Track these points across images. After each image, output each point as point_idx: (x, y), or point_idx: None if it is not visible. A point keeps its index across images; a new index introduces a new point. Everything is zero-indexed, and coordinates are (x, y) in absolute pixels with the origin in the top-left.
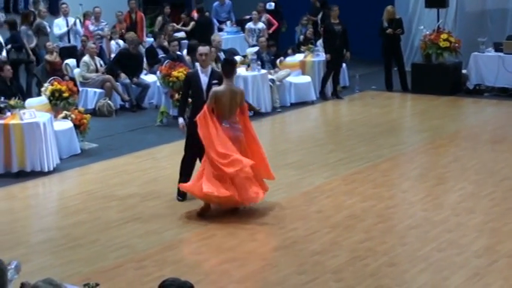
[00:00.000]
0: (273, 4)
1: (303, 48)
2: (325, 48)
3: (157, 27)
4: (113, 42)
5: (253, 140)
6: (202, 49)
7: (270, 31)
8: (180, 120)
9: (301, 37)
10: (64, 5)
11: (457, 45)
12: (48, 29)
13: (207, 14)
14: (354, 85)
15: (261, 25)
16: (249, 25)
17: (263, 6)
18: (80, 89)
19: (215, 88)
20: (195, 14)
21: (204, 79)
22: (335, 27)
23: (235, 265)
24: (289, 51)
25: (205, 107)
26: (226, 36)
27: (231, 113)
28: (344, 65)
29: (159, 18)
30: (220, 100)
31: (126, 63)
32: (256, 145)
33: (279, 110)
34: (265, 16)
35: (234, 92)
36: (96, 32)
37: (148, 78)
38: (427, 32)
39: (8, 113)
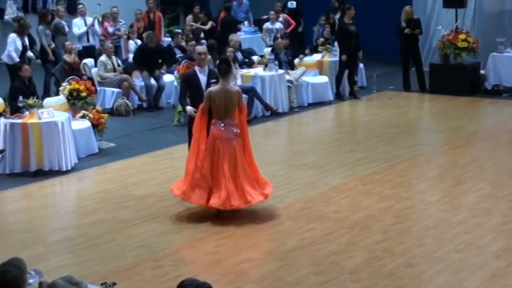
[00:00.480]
0: (294, 3)
1: (320, 48)
2: (341, 48)
3: (189, 26)
4: (131, 41)
5: (244, 145)
6: (201, 48)
7: (288, 31)
8: (188, 107)
9: (321, 39)
10: (81, 6)
11: (475, 45)
12: (67, 29)
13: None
14: (371, 85)
15: (278, 25)
16: (267, 25)
17: (281, 6)
18: (98, 88)
19: (209, 88)
20: (222, 14)
21: (202, 78)
22: (350, 27)
23: (252, 265)
24: (307, 51)
25: (200, 107)
26: (244, 36)
27: (227, 114)
28: (362, 65)
29: (190, 17)
30: (214, 100)
31: (147, 59)
32: (247, 153)
33: (296, 110)
34: (283, 16)
35: (228, 92)
36: (113, 31)
37: (165, 77)
38: (445, 32)
39: (27, 112)
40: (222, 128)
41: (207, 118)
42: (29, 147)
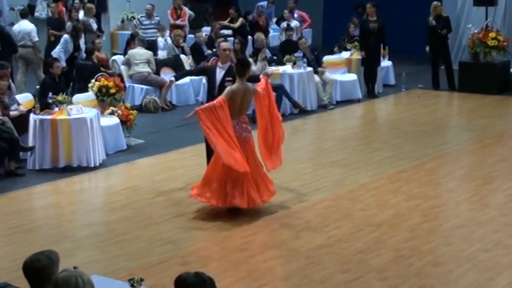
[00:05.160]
0: None
1: (349, 46)
2: (361, 45)
3: (218, 24)
4: (160, 38)
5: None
6: (225, 44)
7: (303, 28)
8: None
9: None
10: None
11: (505, 44)
12: (94, 26)
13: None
14: (400, 83)
15: (294, 23)
16: (283, 25)
17: (293, 2)
18: (127, 85)
19: (231, 86)
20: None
21: (219, 75)
22: (370, 24)
23: (280, 262)
24: (336, 48)
25: (221, 99)
26: (272, 33)
27: (240, 113)
28: (390, 63)
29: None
30: (234, 99)
31: None
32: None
33: (330, 107)
34: (298, 13)
35: (247, 91)
36: (150, 27)
37: None
38: (475, 31)
39: (56, 109)
40: (237, 126)
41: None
42: (58, 144)
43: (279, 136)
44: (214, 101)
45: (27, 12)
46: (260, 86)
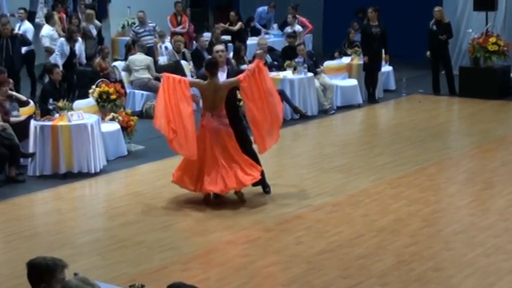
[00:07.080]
0: None
1: (349, 51)
2: (363, 50)
3: (218, 29)
4: (161, 44)
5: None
6: (218, 46)
7: (305, 34)
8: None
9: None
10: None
11: (505, 48)
12: (94, 32)
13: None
14: (400, 88)
15: (297, 27)
16: (287, 29)
17: (293, 7)
18: (128, 91)
19: (201, 80)
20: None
21: (221, 78)
22: (373, 29)
23: (280, 268)
24: (336, 54)
25: (184, 78)
26: (273, 39)
27: (215, 106)
28: (391, 68)
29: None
30: (205, 94)
31: None
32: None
33: (331, 112)
34: (299, 18)
35: (217, 87)
36: (145, 34)
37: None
38: (476, 35)
39: (56, 115)
40: (211, 119)
41: (188, 91)
42: (58, 150)
43: (276, 112)
44: (179, 77)
45: (51, 16)
46: (247, 69)
